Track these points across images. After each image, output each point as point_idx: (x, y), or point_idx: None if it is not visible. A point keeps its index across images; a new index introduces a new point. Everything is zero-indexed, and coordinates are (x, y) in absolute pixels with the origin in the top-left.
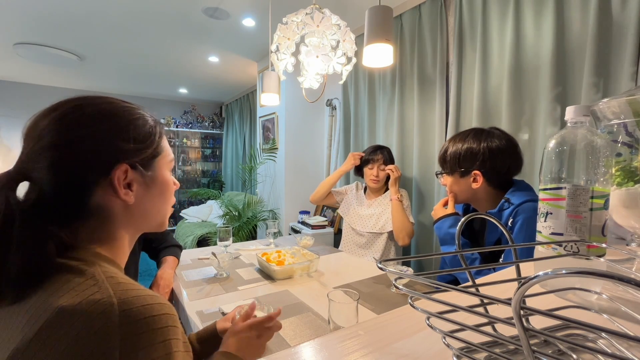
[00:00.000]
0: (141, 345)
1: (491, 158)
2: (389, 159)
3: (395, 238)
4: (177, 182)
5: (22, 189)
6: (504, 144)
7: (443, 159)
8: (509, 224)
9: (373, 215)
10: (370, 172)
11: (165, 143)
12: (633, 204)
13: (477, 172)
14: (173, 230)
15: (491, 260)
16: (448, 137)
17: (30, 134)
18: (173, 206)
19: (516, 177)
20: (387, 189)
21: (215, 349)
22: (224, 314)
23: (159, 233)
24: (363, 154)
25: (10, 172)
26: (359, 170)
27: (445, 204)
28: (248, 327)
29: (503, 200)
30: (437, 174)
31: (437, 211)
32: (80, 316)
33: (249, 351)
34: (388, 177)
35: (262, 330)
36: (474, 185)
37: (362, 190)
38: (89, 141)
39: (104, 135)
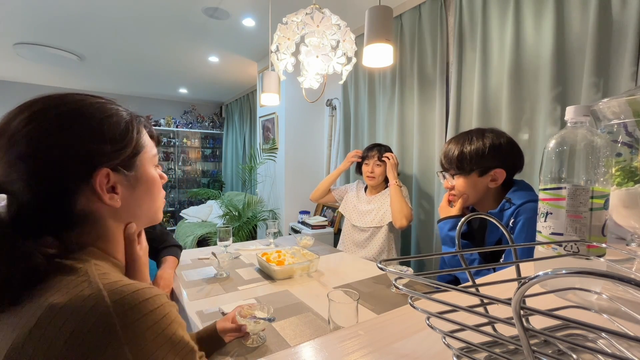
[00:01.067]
0: (144, 327)
1: (512, 154)
2: (386, 153)
3: (393, 221)
4: (164, 175)
5: (1, 202)
6: (514, 141)
7: (459, 159)
8: (510, 224)
9: (372, 210)
10: (366, 168)
11: (145, 138)
12: (633, 204)
13: (499, 170)
14: (173, 230)
15: (492, 261)
16: (448, 136)
17: None
18: (166, 198)
19: (516, 177)
20: (386, 186)
21: (216, 349)
22: (224, 314)
23: (158, 233)
24: (361, 152)
25: None
26: (359, 169)
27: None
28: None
29: (504, 200)
30: (450, 174)
31: (443, 209)
32: (72, 313)
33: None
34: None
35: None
36: (492, 185)
37: (363, 189)
38: (63, 148)
39: (78, 139)
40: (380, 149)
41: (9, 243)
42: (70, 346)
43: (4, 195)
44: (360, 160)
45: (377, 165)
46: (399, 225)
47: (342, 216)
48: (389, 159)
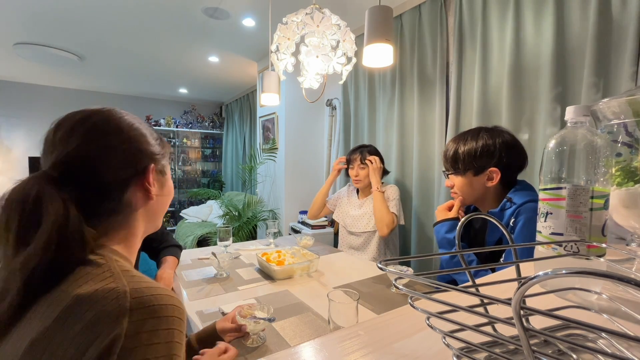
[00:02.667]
0: (145, 328)
1: (507, 154)
2: (369, 156)
3: (377, 228)
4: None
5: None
6: (514, 140)
7: (454, 159)
8: (511, 223)
9: (365, 214)
10: (351, 172)
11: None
12: (633, 204)
13: (494, 169)
14: (173, 230)
15: (491, 261)
16: (448, 137)
17: (65, 139)
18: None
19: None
20: None
21: None
22: (224, 314)
23: (159, 233)
24: (345, 158)
25: (53, 174)
26: (346, 171)
27: (449, 207)
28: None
29: (505, 199)
30: (446, 174)
31: (439, 214)
32: (96, 301)
33: None
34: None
35: None
36: (489, 184)
37: (355, 192)
38: (127, 145)
39: (137, 141)
40: (363, 151)
41: (79, 229)
42: (85, 331)
43: (68, 185)
44: (345, 166)
45: (361, 168)
46: (381, 234)
47: None
48: (372, 163)
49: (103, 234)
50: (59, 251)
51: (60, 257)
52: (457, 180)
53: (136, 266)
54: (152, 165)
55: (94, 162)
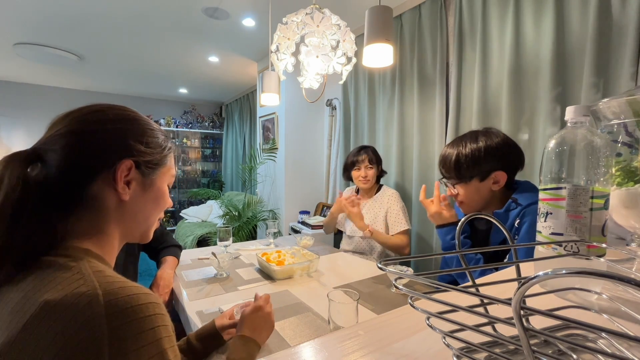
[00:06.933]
0: (130, 333)
1: (509, 153)
2: (374, 158)
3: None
4: (171, 201)
5: (33, 168)
6: (510, 139)
7: (457, 167)
8: (516, 224)
9: (365, 219)
10: (357, 173)
11: (171, 160)
12: (633, 204)
13: (499, 172)
14: (173, 230)
15: (495, 261)
16: (448, 137)
17: (54, 125)
18: (159, 220)
19: (519, 178)
20: (377, 190)
21: (216, 346)
22: None
23: (158, 233)
24: (345, 194)
25: (27, 150)
26: (346, 175)
27: (434, 200)
28: (255, 308)
29: (510, 200)
30: (449, 184)
31: (435, 218)
32: (66, 309)
33: (263, 329)
34: (378, 177)
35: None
36: (495, 187)
37: (355, 193)
38: (104, 134)
39: (120, 133)
40: (368, 151)
41: (40, 206)
42: (58, 343)
43: (36, 166)
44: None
45: (369, 168)
46: (401, 254)
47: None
48: (354, 207)
49: (72, 233)
50: (15, 226)
51: (18, 233)
52: (462, 191)
53: (135, 267)
54: (128, 161)
55: (65, 144)
